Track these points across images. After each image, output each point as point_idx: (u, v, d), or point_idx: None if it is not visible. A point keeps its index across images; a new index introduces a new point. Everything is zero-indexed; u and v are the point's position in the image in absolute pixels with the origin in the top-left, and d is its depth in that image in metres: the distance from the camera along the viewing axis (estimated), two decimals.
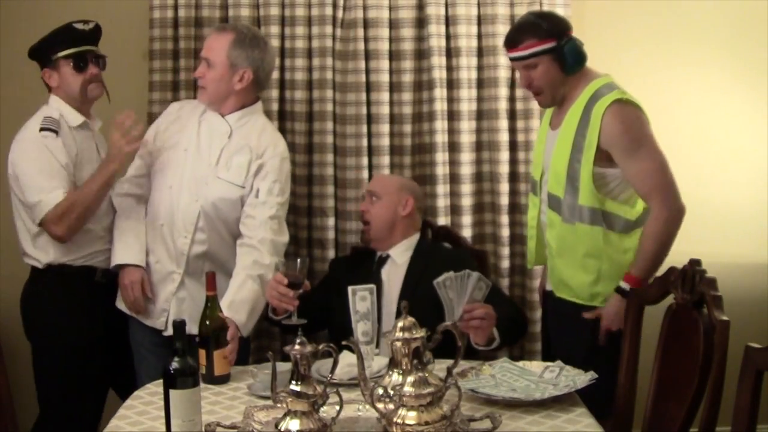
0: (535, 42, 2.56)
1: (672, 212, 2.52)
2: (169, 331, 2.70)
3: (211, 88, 2.77)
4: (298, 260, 2.50)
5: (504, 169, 3.37)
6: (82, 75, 2.84)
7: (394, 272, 2.85)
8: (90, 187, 2.75)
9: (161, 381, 1.95)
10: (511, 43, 2.62)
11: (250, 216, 2.74)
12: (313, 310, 2.80)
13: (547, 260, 2.81)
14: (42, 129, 2.78)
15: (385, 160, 3.35)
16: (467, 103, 3.36)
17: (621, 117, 2.51)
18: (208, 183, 2.75)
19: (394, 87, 3.35)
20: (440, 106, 3.34)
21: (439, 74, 3.33)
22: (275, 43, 3.29)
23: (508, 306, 2.82)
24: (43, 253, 2.83)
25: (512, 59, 2.65)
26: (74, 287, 2.84)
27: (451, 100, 3.37)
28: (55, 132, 2.78)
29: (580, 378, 2.24)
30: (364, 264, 2.93)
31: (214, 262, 2.78)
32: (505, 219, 3.38)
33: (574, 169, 2.56)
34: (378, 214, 2.89)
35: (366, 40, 3.31)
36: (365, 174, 3.33)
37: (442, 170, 3.35)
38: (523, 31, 2.60)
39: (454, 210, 3.39)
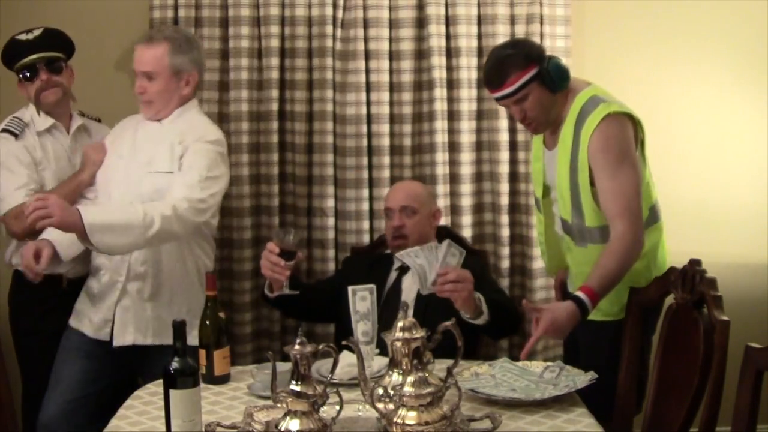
0: (520, 73, 2.46)
1: (636, 238, 2.42)
2: (118, 341, 2.69)
3: (158, 100, 2.75)
4: (292, 230, 2.53)
5: (504, 169, 3.37)
6: (34, 84, 2.86)
7: (413, 281, 2.77)
8: (58, 192, 2.70)
9: (161, 381, 1.95)
10: (494, 83, 2.51)
11: (168, 189, 2.61)
12: (321, 301, 2.85)
13: (565, 265, 2.77)
14: (2, 130, 2.83)
15: (385, 160, 3.35)
16: (467, 103, 3.37)
17: (606, 135, 2.44)
18: (141, 181, 2.69)
19: (394, 87, 3.35)
20: (440, 106, 3.34)
21: (439, 74, 3.33)
22: (275, 43, 3.29)
23: (500, 295, 2.83)
24: (9, 254, 2.91)
25: (500, 98, 2.53)
26: (41, 293, 2.83)
27: (451, 100, 3.37)
28: (15, 135, 2.81)
29: (580, 378, 2.24)
30: (379, 267, 2.90)
31: (156, 268, 2.70)
32: (505, 219, 3.38)
33: (576, 192, 2.53)
34: (416, 229, 2.86)
35: (366, 40, 3.31)
36: (365, 174, 3.33)
37: (442, 170, 3.35)
38: (503, 66, 2.49)
39: (454, 210, 3.39)
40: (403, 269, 2.84)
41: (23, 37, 2.88)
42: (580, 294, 2.36)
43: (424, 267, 2.48)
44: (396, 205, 2.90)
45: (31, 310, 2.90)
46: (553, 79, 2.48)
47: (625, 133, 2.47)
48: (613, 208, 2.42)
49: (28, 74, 2.86)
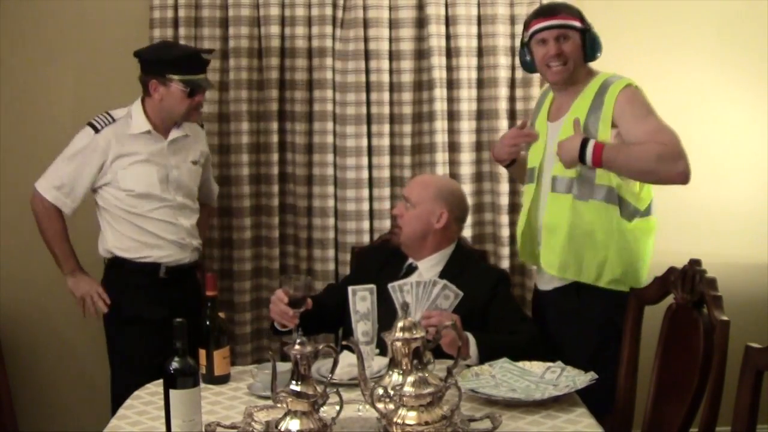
0: (571, 18, 2.68)
1: (675, 153, 2.46)
2: None
3: None
4: (301, 278, 2.49)
5: (504, 169, 3.36)
6: (190, 101, 2.88)
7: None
8: (52, 246, 2.91)
9: (161, 381, 1.95)
10: (547, 12, 2.72)
11: None
12: (332, 314, 2.74)
13: (538, 257, 2.79)
14: (88, 123, 2.88)
15: (385, 160, 3.35)
16: (467, 103, 3.37)
17: (631, 94, 2.58)
18: None
19: (394, 87, 3.35)
20: (440, 106, 3.34)
21: (439, 74, 3.33)
22: (275, 43, 3.29)
23: (524, 335, 2.58)
24: (107, 247, 2.94)
25: (546, 28, 2.67)
26: (140, 282, 2.91)
27: (451, 100, 3.37)
28: (96, 129, 2.86)
29: (580, 378, 2.24)
30: (392, 263, 2.81)
31: None
32: (505, 219, 3.39)
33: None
34: (409, 222, 2.73)
35: (366, 40, 3.31)
36: (365, 174, 3.33)
37: (442, 170, 3.35)
38: (559, 5, 2.73)
39: None
40: (411, 269, 2.77)
41: (205, 56, 2.93)
42: (590, 143, 2.51)
43: (410, 306, 2.29)
44: (403, 192, 2.87)
45: (131, 299, 2.90)
46: (589, 42, 2.68)
47: (648, 99, 2.61)
48: (654, 139, 2.50)
49: (193, 91, 2.87)
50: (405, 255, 2.80)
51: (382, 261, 2.86)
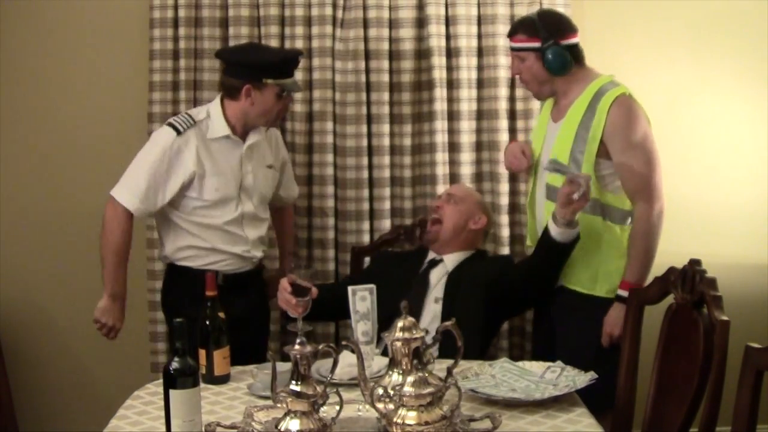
0: (524, 38, 2.70)
1: (654, 214, 2.60)
2: None
3: None
4: (302, 263, 2.49)
5: (504, 169, 3.36)
6: (282, 104, 2.81)
7: (443, 275, 2.84)
8: (106, 259, 2.73)
9: (161, 381, 1.95)
10: (509, 32, 2.80)
11: None
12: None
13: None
14: (168, 123, 2.76)
15: (385, 160, 3.35)
16: (467, 103, 3.37)
17: (626, 110, 2.61)
18: None
19: (394, 87, 3.35)
20: (440, 106, 3.34)
21: (439, 74, 3.33)
22: (275, 43, 3.29)
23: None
24: (165, 253, 2.86)
25: (510, 48, 2.79)
26: (198, 288, 2.61)
27: (451, 100, 3.37)
28: (178, 131, 2.72)
29: (580, 378, 2.24)
30: (410, 261, 2.93)
31: None
32: (505, 219, 3.39)
33: (577, 161, 2.63)
34: (452, 215, 2.87)
35: (366, 40, 3.31)
36: (365, 174, 3.33)
37: (442, 170, 3.35)
38: (520, 24, 2.76)
39: None
40: (434, 262, 2.87)
41: (299, 57, 2.87)
42: (621, 292, 2.60)
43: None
44: (445, 192, 3.00)
45: (185, 307, 2.61)
46: (546, 61, 2.66)
47: (642, 113, 2.64)
48: (632, 187, 2.62)
49: (284, 94, 2.78)
50: (423, 254, 2.92)
51: (398, 260, 2.99)
